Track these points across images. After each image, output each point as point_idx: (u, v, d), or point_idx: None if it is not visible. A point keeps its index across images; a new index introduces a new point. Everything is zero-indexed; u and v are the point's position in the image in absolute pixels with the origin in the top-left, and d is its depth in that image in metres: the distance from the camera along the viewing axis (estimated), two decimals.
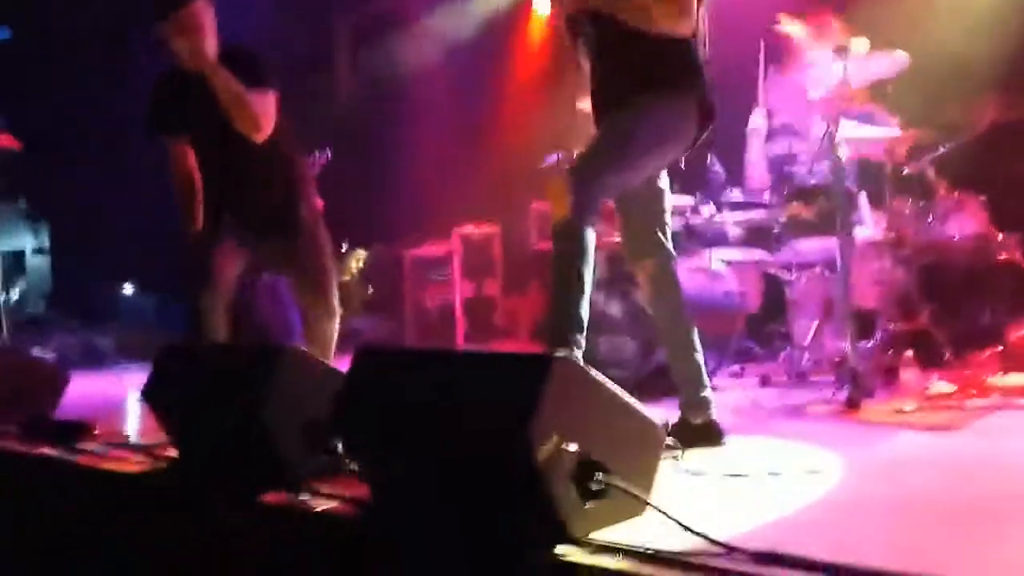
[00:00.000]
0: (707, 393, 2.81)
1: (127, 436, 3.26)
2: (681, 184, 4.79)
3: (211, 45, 3.34)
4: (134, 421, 3.91)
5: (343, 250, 8.52)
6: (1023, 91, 4.19)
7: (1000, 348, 3.73)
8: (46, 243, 7.93)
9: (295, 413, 2.33)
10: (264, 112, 3.39)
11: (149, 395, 2.78)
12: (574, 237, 2.58)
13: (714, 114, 2.77)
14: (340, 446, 2.35)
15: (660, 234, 2.84)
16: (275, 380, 2.36)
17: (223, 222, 3.54)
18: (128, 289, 8.27)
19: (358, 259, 8.43)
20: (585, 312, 2.58)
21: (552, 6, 3.03)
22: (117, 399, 4.72)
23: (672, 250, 2.86)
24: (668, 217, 2.89)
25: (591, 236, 2.60)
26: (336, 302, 3.62)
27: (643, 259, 2.84)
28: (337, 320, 3.63)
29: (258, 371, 2.41)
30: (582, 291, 2.58)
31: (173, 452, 2.77)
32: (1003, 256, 3.99)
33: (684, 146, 2.78)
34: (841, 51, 3.67)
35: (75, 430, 3.16)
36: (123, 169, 7.68)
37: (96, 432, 3.19)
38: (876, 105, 4.26)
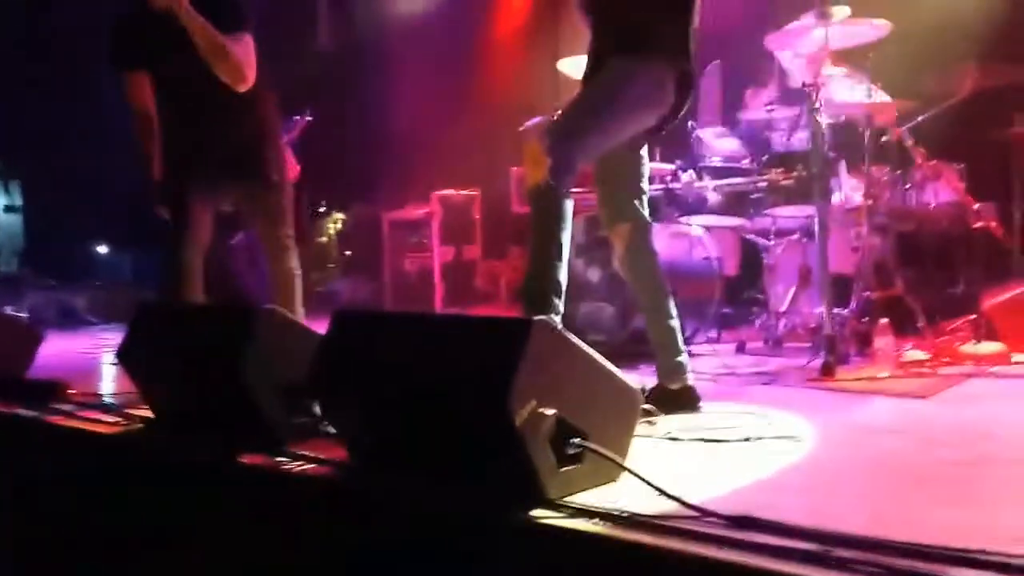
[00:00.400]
0: (683, 358, 2.82)
1: (101, 396, 3.23)
2: (662, 151, 4.79)
3: None
4: (108, 381, 3.89)
5: (321, 211, 8.47)
6: (1001, 60, 4.20)
7: (974, 316, 3.77)
8: (18, 201, 7.82)
9: (274, 375, 2.32)
10: (247, 60, 3.36)
11: (124, 356, 2.76)
12: (551, 200, 2.57)
13: (693, 84, 2.76)
14: (317, 408, 2.35)
15: (636, 200, 2.84)
16: (253, 341, 2.34)
17: (193, 170, 3.50)
18: (104, 247, 8.19)
19: (335, 221, 8.39)
20: (563, 276, 2.58)
21: None
22: (91, 359, 4.69)
23: (647, 216, 2.86)
24: (645, 184, 2.89)
25: (568, 199, 2.59)
26: (291, 240, 3.62)
27: (618, 224, 2.84)
28: (295, 258, 3.63)
29: (236, 332, 2.39)
30: (560, 254, 2.57)
31: (148, 413, 2.75)
32: (979, 225, 4.02)
33: (661, 113, 2.77)
34: (822, 16, 3.66)
35: (48, 390, 3.14)
36: (98, 125, 7.54)
37: (70, 392, 3.16)
38: (854, 69, 4.26)
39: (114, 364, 3.41)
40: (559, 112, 2.82)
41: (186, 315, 2.96)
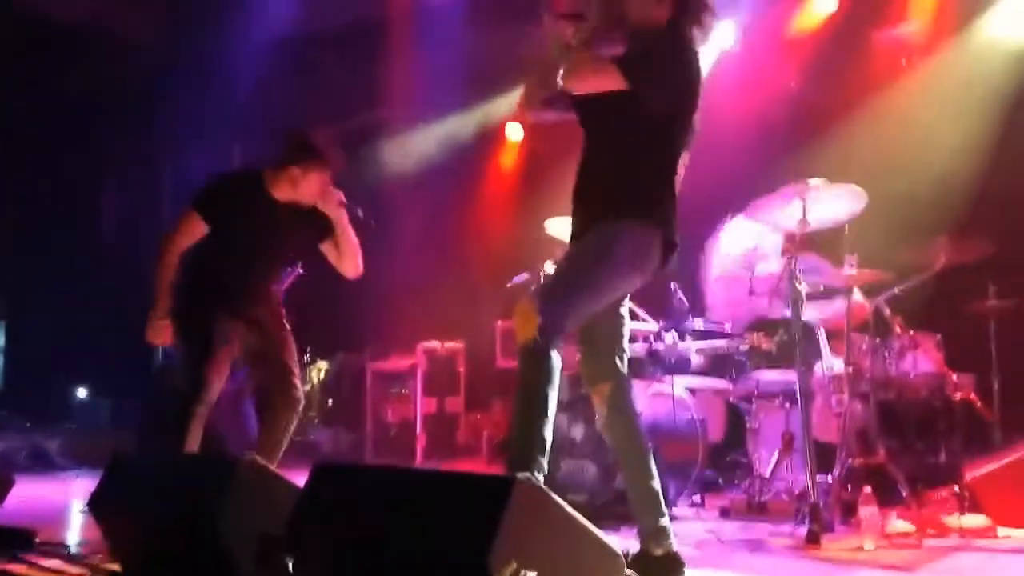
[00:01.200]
0: (665, 522, 2.78)
1: (67, 546, 3.13)
2: (646, 311, 4.87)
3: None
4: (77, 530, 3.77)
5: (306, 359, 8.47)
6: (974, 235, 4.35)
7: (956, 487, 3.75)
8: (0, 341, 7.80)
9: (250, 527, 2.27)
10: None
11: (95, 505, 2.70)
12: (541, 359, 2.59)
13: (676, 247, 2.85)
14: (291, 565, 2.29)
15: (618, 360, 2.88)
16: (231, 492, 2.30)
17: (219, 329, 3.60)
18: (83, 391, 8.11)
19: (320, 369, 8.37)
20: (548, 434, 2.57)
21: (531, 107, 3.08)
22: (61, 506, 4.57)
23: (627, 376, 2.89)
24: (626, 344, 2.93)
25: (557, 358, 2.62)
26: (300, 394, 3.73)
27: (600, 383, 2.87)
28: (297, 412, 3.71)
29: (214, 482, 2.36)
30: (546, 413, 2.58)
31: (114, 566, 2.67)
32: (958, 395, 4.05)
33: (647, 275, 2.85)
34: (801, 189, 3.81)
35: (15, 538, 3.04)
36: (85, 273, 7.67)
37: (37, 540, 3.07)
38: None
39: (84, 512, 3.32)
40: (550, 272, 2.90)
41: (163, 465, 2.91)
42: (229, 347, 3.63)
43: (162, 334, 3.61)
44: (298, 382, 3.73)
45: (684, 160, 2.89)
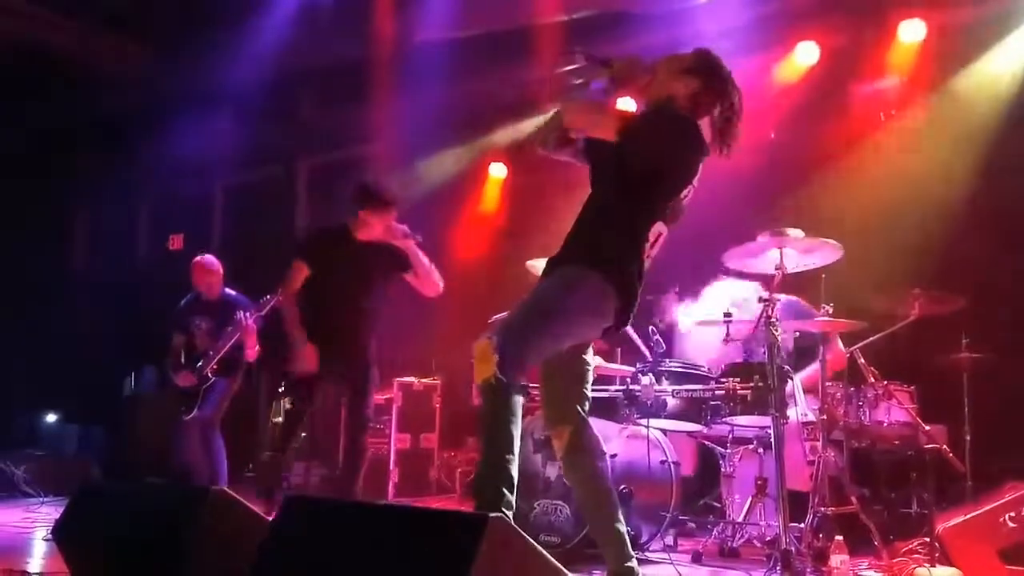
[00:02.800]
0: (632, 564, 2.76)
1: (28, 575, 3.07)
2: (622, 353, 4.88)
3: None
4: (39, 560, 3.69)
5: (280, 391, 8.39)
6: (946, 287, 4.41)
7: (927, 538, 3.76)
8: None
9: (217, 558, 2.24)
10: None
11: (60, 533, 2.65)
12: (501, 396, 2.60)
13: (635, 299, 2.85)
14: None
15: (578, 404, 2.88)
16: (199, 523, 2.27)
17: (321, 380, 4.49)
18: (51, 417, 7.99)
19: (293, 403, 8.28)
20: (515, 470, 2.57)
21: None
22: (25, 533, 4.47)
23: (587, 421, 2.89)
24: (588, 389, 2.94)
25: (518, 396, 2.63)
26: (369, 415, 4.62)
27: (559, 426, 2.88)
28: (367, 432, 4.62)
29: (182, 512, 2.33)
30: (511, 448, 2.57)
31: None
32: (930, 446, 4.08)
33: (603, 324, 2.85)
34: (778, 235, 3.87)
35: None
36: (56, 299, 7.60)
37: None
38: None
39: (48, 540, 3.26)
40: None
41: (130, 494, 2.87)
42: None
43: (309, 359, 4.40)
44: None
45: (660, 230, 2.89)
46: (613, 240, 2.84)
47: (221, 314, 5.42)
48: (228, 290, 5.60)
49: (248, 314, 5.15)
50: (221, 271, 5.60)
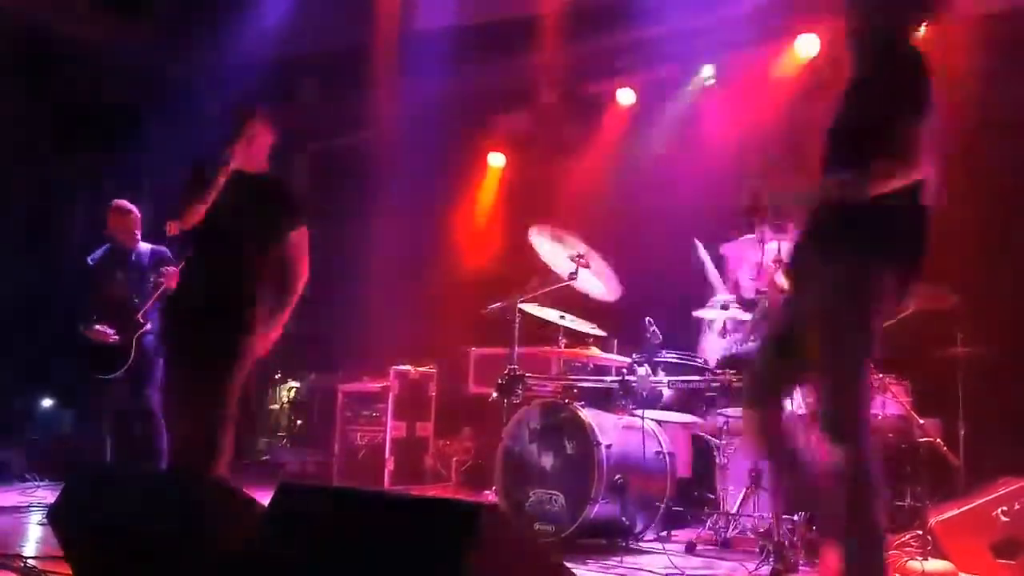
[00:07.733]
0: None
1: (25, 559, 3.08)
2: (618, 344, 4.89)
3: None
4: (34, 543, 3.70)
5: (276, 378, 8.40)
6: (944, 285, 4.41)
7: (920, 532, 3.78)
8: None
9: (213, 543, 2.24)
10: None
11: (55, 517, 2.65)
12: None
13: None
14: None
15: None
16: (195, 508, 2.28)
17: None
18: (47, 402, 7.98)
19: (289, 389, 8.31)
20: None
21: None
22: (20, 517, 4.48)
23: None
24: None
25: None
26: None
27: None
28: None
29: (179, 498, 2.33)
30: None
31: None
32: (924, 439, 4.09)
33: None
34: (778, 228, 3.86)
35: None
36: (51, 284, 7.57)
37: None
38: None
39: (43, 524, 3.26)
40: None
41: (126, 478, 2.87)
42: None
43: None
44: None
45: None
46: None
47: (140, 266, 5.18)
48: (145, 243, 5.34)
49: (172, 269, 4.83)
50: (139, 216, 5.34)
